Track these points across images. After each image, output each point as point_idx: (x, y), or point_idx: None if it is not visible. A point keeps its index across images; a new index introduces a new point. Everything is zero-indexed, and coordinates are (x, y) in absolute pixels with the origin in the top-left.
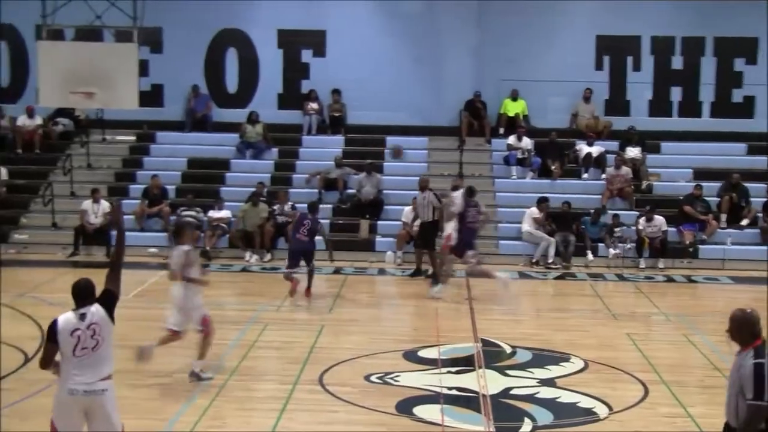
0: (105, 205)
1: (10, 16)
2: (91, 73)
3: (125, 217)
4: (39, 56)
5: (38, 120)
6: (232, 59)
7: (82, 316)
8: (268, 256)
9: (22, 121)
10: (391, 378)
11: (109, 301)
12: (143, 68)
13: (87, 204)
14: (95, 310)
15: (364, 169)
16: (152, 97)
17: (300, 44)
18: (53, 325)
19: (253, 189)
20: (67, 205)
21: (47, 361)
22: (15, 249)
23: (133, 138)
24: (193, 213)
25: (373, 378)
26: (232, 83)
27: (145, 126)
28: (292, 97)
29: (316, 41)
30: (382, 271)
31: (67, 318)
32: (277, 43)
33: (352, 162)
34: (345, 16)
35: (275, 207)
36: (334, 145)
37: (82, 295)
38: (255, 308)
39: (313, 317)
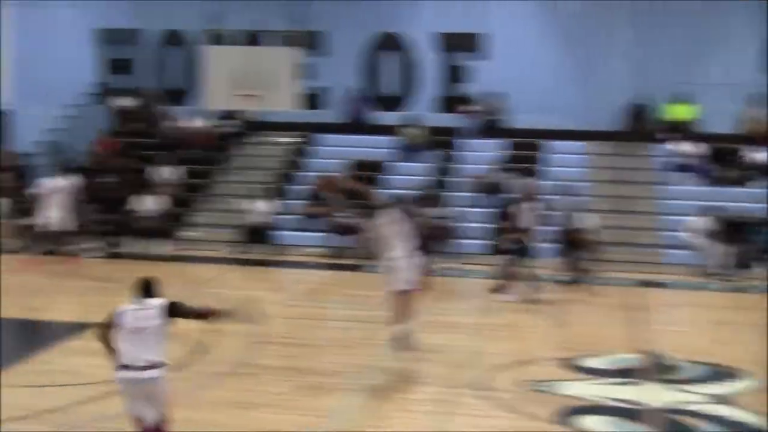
0: (265, 205)
1: (179, 21)
2: (255, 76)
3: (286, 217)
4: (206, 60)
5: (205, 122)
6: (391, 62)
7: (139, 302)
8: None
9: (190, 122)
10: (551, 386)
11: (173, 308)
12: (305, 71)
13: (249, 203)
14: (154, 302)
15: (522, 173)
16: (313, 99)
17: (459, 47)
18: (116, 310)
19: (411, 192)
20: (231, 204)
21: (99, 338)
22: (183, 246)
23: (294, 140)
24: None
25: (531, 385)
26: (391, 86)
27: (307, 128)
28: (450, 100)
29: (475, 44)
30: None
31: (127, 304)
32: (436, 46)
33: (510, 166)
34: (503, 18)
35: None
36: (492, 148)
37: (144, 289)
38: None
39: (470, 321)
